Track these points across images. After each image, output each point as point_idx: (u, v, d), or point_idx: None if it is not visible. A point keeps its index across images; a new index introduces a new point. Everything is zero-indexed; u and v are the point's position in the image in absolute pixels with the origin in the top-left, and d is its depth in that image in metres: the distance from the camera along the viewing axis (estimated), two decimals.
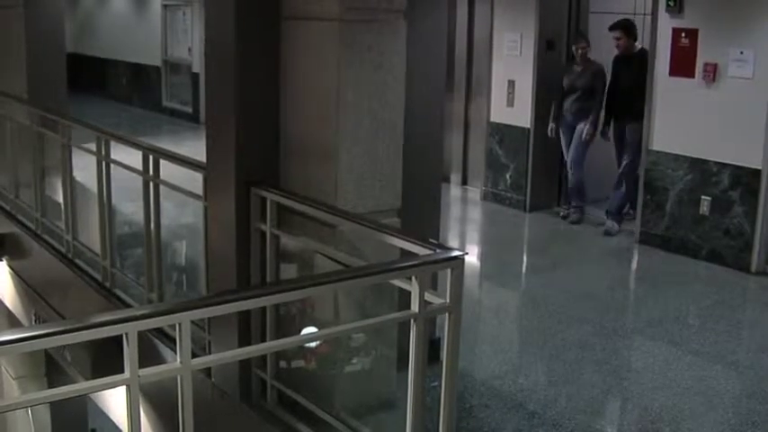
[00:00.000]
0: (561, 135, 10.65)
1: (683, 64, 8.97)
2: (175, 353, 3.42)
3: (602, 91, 10.34)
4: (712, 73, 8.72)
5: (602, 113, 10.38)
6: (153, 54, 20.12)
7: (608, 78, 10.33)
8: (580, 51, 10.36)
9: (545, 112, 10.89)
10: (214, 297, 4.19)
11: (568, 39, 11.01)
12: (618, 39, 9.87)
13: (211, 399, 5.55)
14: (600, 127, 10.47)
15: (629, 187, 9.92)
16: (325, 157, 5.01)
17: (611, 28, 9.92)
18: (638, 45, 10.05)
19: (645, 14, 10.14)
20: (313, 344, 5.11)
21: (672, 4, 8.99)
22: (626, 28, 9.87)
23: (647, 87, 9.47)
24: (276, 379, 5.22)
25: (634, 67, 9.82)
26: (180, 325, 3.34)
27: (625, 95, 9.96)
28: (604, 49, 10.41)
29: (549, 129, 10.66)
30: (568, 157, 10.54)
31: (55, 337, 3.11)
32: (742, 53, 8.39)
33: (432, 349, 4.22)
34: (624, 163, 9.91)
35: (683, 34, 8.97)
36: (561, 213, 10.77)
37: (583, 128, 10.31)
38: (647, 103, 9.33)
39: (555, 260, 9.24)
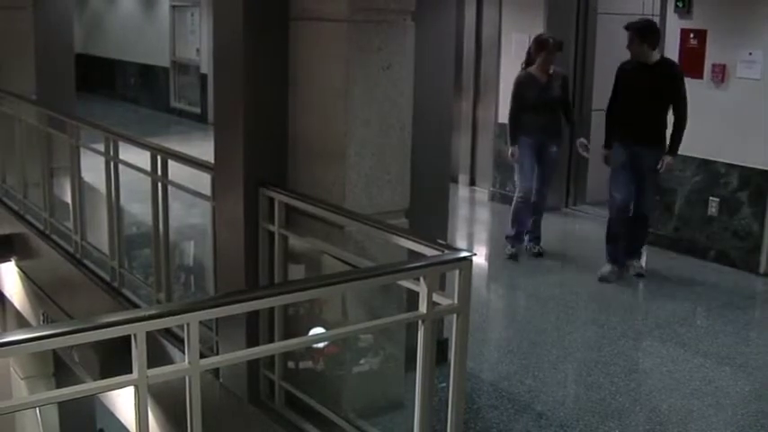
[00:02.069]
0: (520, 158, 9.05)
1: (691, 65, 8.94)
2: (183, 353, 3.42)
3: (570, 104, 9.44)
4: (721, 74, 8.70)
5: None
6: (161, 55, 20.15)
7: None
8: (551, 61, 9.03)
9: None
10: (222, 297, 4.20)
11: (576, 40, 10.99)
12: (629, 42, 8.09)
13: (219, 399, 5.56)
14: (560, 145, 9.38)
15: (643, 228, 8.54)
16: (334, 157, 5.01)
17: (626, 27, 8.24)
18: (657, 54, 8.33)
19: (653, 15, 10.10)
20: (321, 344, 5.11)
21: (681, 4, 8.98)
22: (639, 30, 8.06)
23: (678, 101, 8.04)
24: (284, 379, 5.22)
25: (651, 79, 8.09)
26: (188, 325, 3.34)
27: (638, 114, 8.16)
28: (614, 54, 10.37)
29: (511, 153, 9.05)
30: (533, 183, 9.13)
31: (63, 337, 3.12)
32: (751, 54, 8.38)
33: (440, 350, 4.23)
34: (642, 201, 8.31)
35: (692, 35, 8.96)
36: (510, 251, 9.15)
37: (555, 151, 9.18)
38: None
39: (563, 261, 9.23)
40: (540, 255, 9.15)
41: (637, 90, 8.16)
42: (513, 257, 9.06)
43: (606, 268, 8.36)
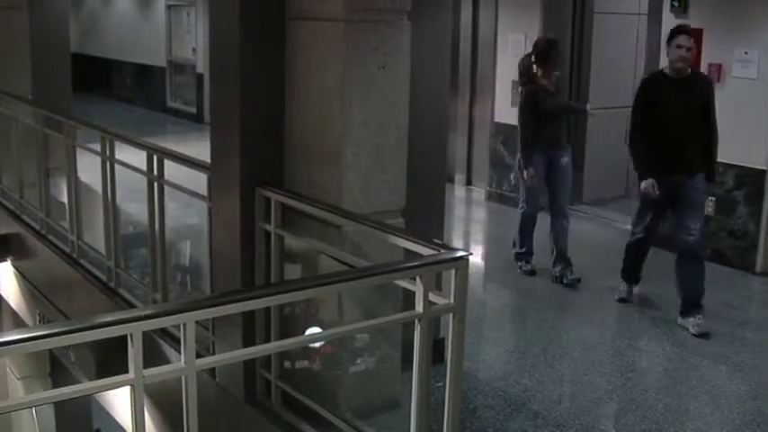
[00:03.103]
0: (533, 173, 8.29)
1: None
2: (180, 353, 3.42)
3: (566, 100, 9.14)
4: (717, 73, 8.70)
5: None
6: (157, 54, 20.13)
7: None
8: (555, 62, 8.43)
9: None
10: (218, 297, 4.19)
11: (573, 39, 10.99)
12: (688, 49, 6.94)
13: (216, 399, 5.56)
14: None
15: (699, 267, 7.28)
16: (330, 157, 5.01)
17: (680, 31, 7.04)
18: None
19: (643, 15, 10.12)
20: (317, 344, 5.11)
21: (676, 4, 8.98)
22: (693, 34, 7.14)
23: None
24: (281, 379, 5.22)
25: (690, 95, 7.06)
26: (184, 325, 3.35)
27: (679, 138, 7.03)
28: (610, 54, 10.40)
29: (529, 176, 8.25)
30: (542, 200, 8.53)
31: (59, 337, 3.12)
32: (747, 53, 8.38)
33: (436, 349, 4.22)
34: (689, 238, 7.09)
35: None
36: (526, 268, 8.58)
37: (567, 160, 8.42)
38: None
39: None
40: (578, 281, 8.18)
41: (676, 109, 7.01)
42: (532, 273, 8.51)
43: (623, 288, 7.73)
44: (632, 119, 7.23)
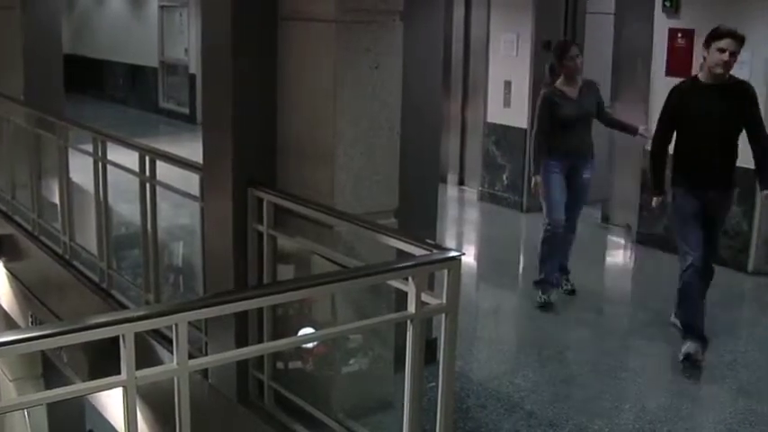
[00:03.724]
0: (550, 185, 7.70)
1: (679, 64, 8.96)
2: (172, 354, 3.42)
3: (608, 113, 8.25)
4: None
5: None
6: (149, 55, 20.12)
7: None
8: (576, 63, 7.68)
9: None
10: (211, 298, 4.20)
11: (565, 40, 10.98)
12: (732, 54, 6.24)
13: (208, 400, 5.55)
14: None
15: (707, 286, 6.79)
16: (323, 157, 5.01)
17: (724, 34, 6.28)
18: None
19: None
20: (310, 345, 5.11)
21: (668, 4, 8.99)
22: (741, 39, 6.32)
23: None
24: (273, 380, 5.21)
25: (727, 104, 6.38)
26: (177, 326, 3.34)
27: (713, 151, 6.46)
28: (604, 54, 10.40)
29: (534, 183, 7.71)
30: (568, 213, 7.79)
31: (52, 338, 3.11)
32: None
33: (429, 350, 4.23)
34: (712, 255, 6.69)
35: (680, 35, 8.98)
36: (540, 300, 7.68)
37: (588, 177, 7.83)
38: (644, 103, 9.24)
39: None
40: (572, 293, 7.94)
41: (710, 120, 6.38)
42: (546, 306, 7.62)
43: (691, 347, 6.40)
44: (657, 130, 6.64)
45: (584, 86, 7.77)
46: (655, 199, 6.76)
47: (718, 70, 6.24)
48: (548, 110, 7.63)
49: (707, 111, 6.36)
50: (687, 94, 6.45)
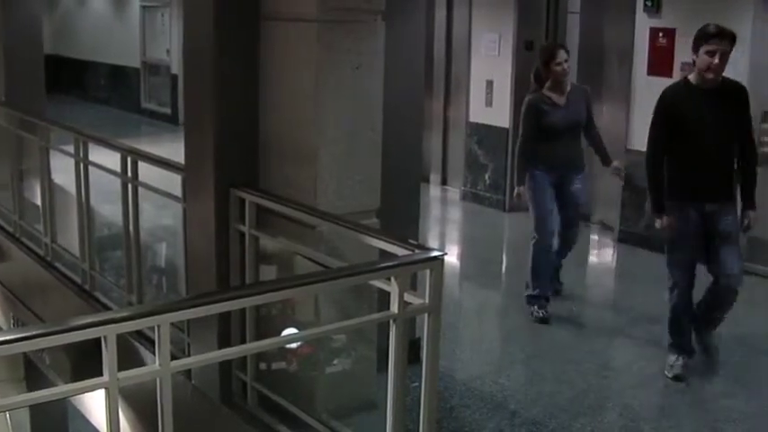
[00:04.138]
0: (536, 197, 7.31)
1: (660, 63, 9.00)
2: (155, 355, 3.41)
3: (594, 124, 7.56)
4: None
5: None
6: (131, 55, 20.07)
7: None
8: (563, 67, 7.19)
9: None
10: (193, 299, 4.19)
11: (546, 39, 10.99)
12: (723, 54, 5.78)
13: (192, 400, 5.54)
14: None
15: (731, 302, 6.20)
16: (305, 157, 5.01)
17: (712, 34, 5.83)
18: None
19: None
20: (294, 345, 5.11)
21: (649, 3, 9.02)
22: (732, 38, 5.87)
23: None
24: (257, 380, 5.21)
25: (723, 109, 5.97)
26: (159, 327, 3.33)
27: (711, 160, 5.98)
28: (586, 53, 10.42)
29: (516, 193, 7.40)
30: (554, 226, 7.43)
31: (33, 340, 3.10)
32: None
33: (412, 350, 4.22)
34: (730, 279, 6.02)
35: (661, 34, 9.00)
36: (538, 315, 7.28)
37: (579, 187, 7.44)
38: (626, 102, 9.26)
39: None
40: (557, 293, 7.71)
41: (705, 127, 5.92)
42: (544, 321, 7.23)
43: (677, 362, 6.24)
44: (651, 138, 6.12)
45: (574, 93, 7.30)
46: (658, 220, 6.14)
47: (710, 75, 5.78)
48: (533, 117, 7.20)
49: (700, 116, 5.90)
50: (678, 99, 6.01)
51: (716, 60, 5.73)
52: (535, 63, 7.47)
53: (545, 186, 7.25)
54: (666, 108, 6.03)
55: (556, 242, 7.48)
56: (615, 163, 7.57)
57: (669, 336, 6.31)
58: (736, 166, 6.09)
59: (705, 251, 6.07)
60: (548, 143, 7.20)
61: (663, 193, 6.08)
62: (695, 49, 5.86)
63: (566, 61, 7.18)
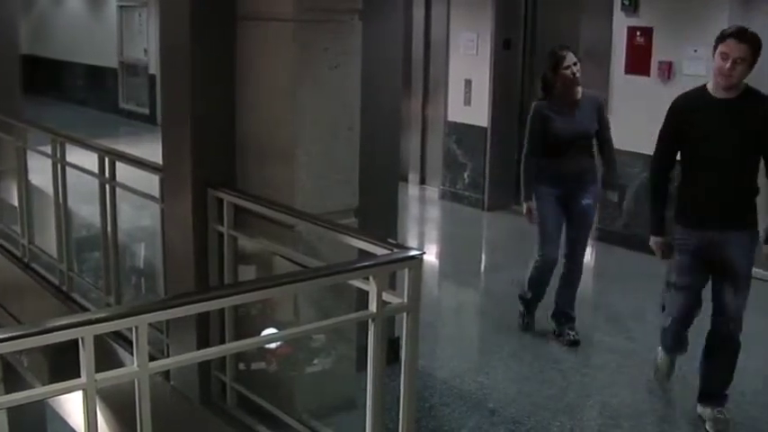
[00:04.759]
0: (543, 214, 6.72)
1: (638, 62, 9.05)
2: (133, 356, 3.39)
3: (610, 139, 6.90)
4: (667, 71, 8.79)
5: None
6: (109, 55, 20.00)
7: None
8: (573, 72, 6.58)
9: (502, 110, 10.94)
10: (171, 299, 4.17)
11: (525, 38, 11.03)
12: (737, 60, 5.05)
13: (170, 401, 5.52)
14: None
15: (733, 355, 5.48)
16: (282, 157, 5.00)
17: (727, 35, 5.12)
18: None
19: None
20: (273, 345, 5.10)
21: (627, 2, 9.06)
22: (753, 42, 5.10)
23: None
24: (236, 381, 5.20)
25: (740, 122, 5.21)
26: (137, 328, 3.32)
27: (723, 180, 5.27)
28: None
29: (526, 209, 6.76)
30: (559, 247, 6.82)
31: (10, 342, 3.08)
32: (696, 51, 8.45)
33: (392, 349, 4.23)
34: (728, 323, 5.40)
35: (639, 33, 9.04)
36: (570, 338, 6.78)
37: (589, 203, 6.80)
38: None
39: (514, 258, 9.25)
40: (576, 343, 6.80)
41: (717, 141, 5.23)
42: (527, 327, 7.03)
43: (664, 362, 5.95)
44: (655, 152, 5.61)
45: (585, 101, 6.68)
46: (653, 239, 5.62)
47: (720, 80, 5.14)
48: (539, 126, 6.64)
49: (713, 129, 5.23)
50: (690, 108, 5.36)
51: (728, 65, 5.03)
52: (542, 69, 6.95)
53: (550, 202, 6.68)
54: (675, 118, 5.40)
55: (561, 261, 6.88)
56: (609, 194, 7.10)
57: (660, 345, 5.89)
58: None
59: (709, 282, 5.48)
60: (554, 155, 6.65)
61: (662, 214, 5.56)
62: (714, 50, 5.19)
63: (575, 65, 6.56)
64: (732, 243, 5.27)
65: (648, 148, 8.67)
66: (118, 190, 6.32)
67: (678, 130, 5.37)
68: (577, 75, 6.58)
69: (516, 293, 7.20)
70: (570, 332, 6.82)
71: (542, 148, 6.66)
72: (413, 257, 3.99)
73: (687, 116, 5.33)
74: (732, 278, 5.32)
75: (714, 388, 5.53)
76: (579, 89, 6.65)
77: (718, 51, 5.11)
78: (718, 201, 5.29)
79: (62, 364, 5.28)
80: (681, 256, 5.44)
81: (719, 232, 5.28)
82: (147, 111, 18.52)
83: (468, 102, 11.28)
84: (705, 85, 5.30)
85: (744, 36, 5.06)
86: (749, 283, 5.40)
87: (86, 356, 3.18)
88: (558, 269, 6.88)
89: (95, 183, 6.47)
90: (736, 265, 5.30)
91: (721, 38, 5.11)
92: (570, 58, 6.57)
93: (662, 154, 5.53)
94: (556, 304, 6.94)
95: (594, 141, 6.80)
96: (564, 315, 6.89)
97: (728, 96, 5.17)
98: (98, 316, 3.32)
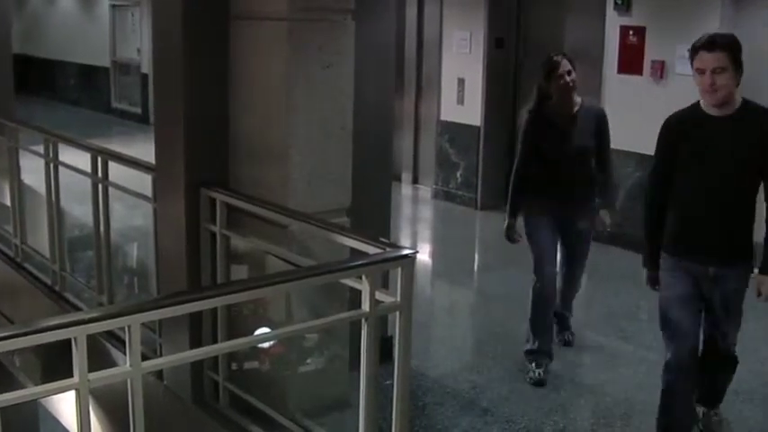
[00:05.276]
0: (535, 233, 6.20)
1: (631, 61, 9.06)
2: (126, 356, 3.39)
3: (609, 157, 6.37)
4: (660, 70, 8.81)
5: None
6: (101, 55, 19.98)
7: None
8: (567, 80, 6.00)
9: (495, 110, 10.95)
10: (164, 299, 4.17)
11: (518, 37, 11.04)
12: (716, 71, 4.59)
13: (163, 401, 5.52)
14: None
15: (730, 372, 5.30)
16: (275, 156, 5.00)
17: (695, 50, 4.70)
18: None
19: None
20: (266, 345, 5.10)
21: (619, 1, 9.07)
22: (726, 46, 4.63)
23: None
24: (229, 380, 5.20)
25: (736, 141, 4.68)
26: (129, 328, 3.32)
27: (719, 207, 4.75)
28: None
29: (506, 227, 6.25)
30: (561, 269, 6.50)
31: (2, 342, 3.07)
32: (689, 50, 8.44)
33: (384, 348, 4.23)
34: (722, 344, 5.06)
35: (631, 32, 9.06)
36: (534, 376, 6.11)
37: (587, 228, 6.37)
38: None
39: (506, 258, 9.23)
40: (569, 344, 6.70)
41: (710, 163, 4.72)
42: (540, 383, 6.09)
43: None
44: (648, 177, 5.16)
45: (584, 113, 6.13)
46: (647, 274, 5.10)
47: (706, 98, 4.67)
48: (531, 139, 6.12)
49: (707, 150, 4.72)
50: (682, 128, 4.85)
51: (707, 79, 4.57)
52: (537, 79, 6.27)
53: (542, 222, 6.16)
54: (668, 139, 4.90)
55: (559, 282, 6.50)
56: (603, 214, 6.43)
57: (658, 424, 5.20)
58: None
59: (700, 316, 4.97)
60: (548, 172, 6.10)
61: (657, 244, 4.96)
62: (692, 66, 4.74)
63: (569, 73, 5.98)
64: (724, 278, 4.80)
65: (641, 146, 8.79)
66: (111, 190, 6.31)
67: (672, 153, 4.82)
68: (573, 84, 6.01)
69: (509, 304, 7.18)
70: (565, 332, 6.72)
71: (535, 164, 6.12)
72: (405, 257, 3.99)
73: (679, 137, 4.81)
74: (725, 311, 4.91)
75: (710, 394, 5.36)
76: (578, 100, 6.11)
77: (694, 68, 4.68)
78: (710, 230, 4.77)
79: (55, 365, 5.29)
80: (671, 291, 4.93)
81: (710, 264, 4.78)
82: (139, 110, 18.51)
83: (461, 101, 11.29)
84: (698, 103, 4.79)
85: (713, 45, 4.59)
86: (740, 317, 5.01)
87: (79, 356, 3.17)
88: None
89: (88, 182, 6.46)
90: (730, 301, 4.89)
91: (693, 52, 4.69)
92: (565, 65, 5.98)
93: (657, 182, 4.98)
94: (557, 322, 6.62)
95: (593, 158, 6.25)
96: (559, 315, 6.66)
97: (723, 113, 4.66)
98: (91, 316, 3.31)
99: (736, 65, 4.58)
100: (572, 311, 6.78)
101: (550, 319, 6.36)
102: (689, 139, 4.76)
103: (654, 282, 5.05)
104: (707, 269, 4.79)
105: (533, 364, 6.15)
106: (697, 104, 4.79)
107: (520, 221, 6.25)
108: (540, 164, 6.10)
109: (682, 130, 4.83)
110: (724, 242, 4.78)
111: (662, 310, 4.99)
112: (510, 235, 6.26)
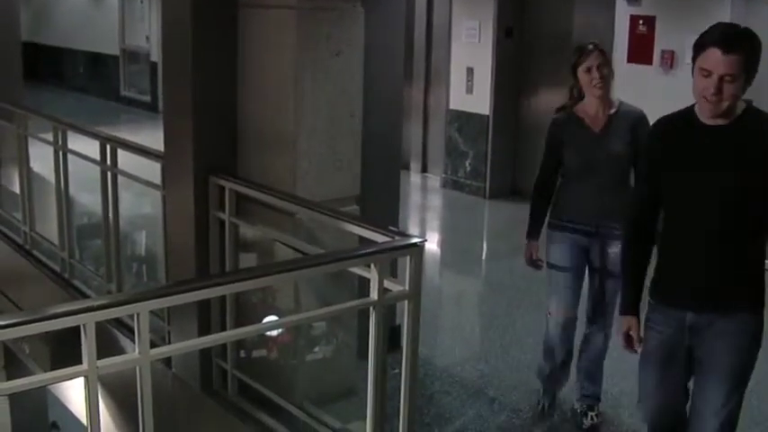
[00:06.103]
0: (553, 259, 5.25)
1: (640, 51, 9.02)
2: (134, 343, 3.40)
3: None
4: (670, 60, 8.77)
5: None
6: (110, 43, 19.96)
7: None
8: (595, 76, 5.01)
9: (504, 99, 10.93)
10: (172, 286, 4.18)
11: (527, 26, 11.00)
12: (724, 78, 3.57)
13: (172, 388, 5.53)
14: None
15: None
16: (284, 145, 5.00)
17: (703, 45, 3.63)
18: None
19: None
20: (274, 333, 5.10)
21: None
22: (747, 48, 3.60)
23: None
24: (237, 368, 5.20)
25: (737, 156, 3.67)
26: (138, 315, 3.32)
27: (700, 235, 3.77)
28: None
29: (526, 251, 5.43)
30: (576, 302, 5.33)
31: (11, 329, 3.08)
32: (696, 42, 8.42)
33: (392, 337, 4.23)
34: (713, 420, 3.90)
35: (641, 22, 9.02)
36: (541, 403, 5.52)
37: (617, 252, 4.73)
38: None
39: (514, 247, 9.19)
40: (595, 429, 5.37)
41: (703, 184, 3.72)
42: (547, 409, 5.53)
43: None
44: (630, 200, 4.31)
45: (619, 118, 5.10)
46: (624, 320, 4.18)
47: (704, 107, 3.67)
48: (555, 145, 5.22)
49: (699, 169, 3.75)
50: (671, 137, 3.86)
51: (711, 88, 3.57)
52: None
53: (566, 245, 5.21)
54: (652, 151, 3.99)
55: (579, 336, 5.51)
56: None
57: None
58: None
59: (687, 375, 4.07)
60: (573, 184, 5.21)
61: (639, 290, 4.08)
62: (692, 63, 3.75)
63: (598, 68, 5.02)
64: (715, 327, 3.82)
65: None
66: (119, 177, 6.32)
67: (655, 173, 3.90)
68: (602, 81, 5.04)
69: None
70: (590, 413, 5.39)
71: (558, 174, 5.26)
72: (414, 245, 3.99)
73: (666, 149, 3.85)
74: (715, 371, 3.88)
75: None
76: (614, 101, 5.15)
77: (696, 66, 3.67)
78: (702, 270, 3.81)
79: (63, 352, 5.30)
80: (658, 348, 4.08)
81: (703, 313, 3.82)
82: (148, 98, 18.49)
83: (469, 90, 11.27)
84: (693, 107, 3.80)
85: (731, 46, 3.55)
86: (742, 387, 3.94)
87: (88, 343, 3.18)
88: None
89: (97, 170, 6.47)
90: (718, 357, 3.86)
91: (700, 46, 3.65)
92: (592, 58, 5.01)
93: (641, 206, 4.04)
94: (581, 374, 5.50)
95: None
96: (589, 395, 5.45)
97: (721, 123, 3.69)
98: (99, 303, 3.32)
99: (750, 70, 3.60)
100: (600, 383, 5.52)
101: (567, 345, 5.44)
102: (675, 154, 3.80)
103: (638, 332, 4.16)
104: (694, 319, 3.86)
105: (541, 391, 5.61)
106: (691, 110, 3.81)
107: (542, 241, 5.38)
108: (564, 177, 5.24)
109: (666, 142, 3.87)
110: (718, 286, 3.82)
111: (646, 370, 4.33)
112: (531, 260, 5.43)
